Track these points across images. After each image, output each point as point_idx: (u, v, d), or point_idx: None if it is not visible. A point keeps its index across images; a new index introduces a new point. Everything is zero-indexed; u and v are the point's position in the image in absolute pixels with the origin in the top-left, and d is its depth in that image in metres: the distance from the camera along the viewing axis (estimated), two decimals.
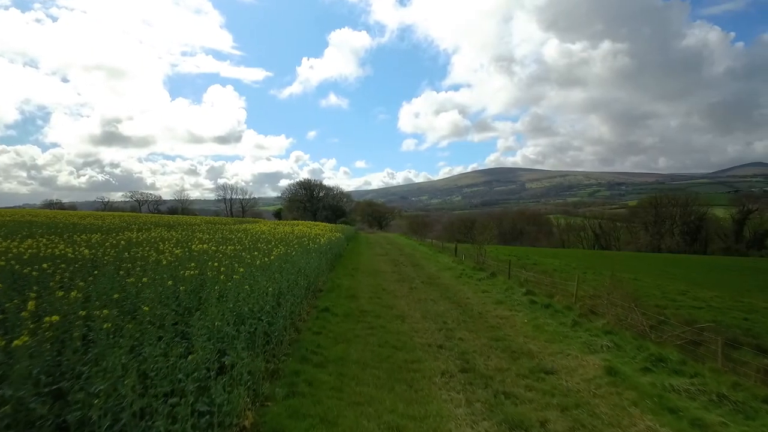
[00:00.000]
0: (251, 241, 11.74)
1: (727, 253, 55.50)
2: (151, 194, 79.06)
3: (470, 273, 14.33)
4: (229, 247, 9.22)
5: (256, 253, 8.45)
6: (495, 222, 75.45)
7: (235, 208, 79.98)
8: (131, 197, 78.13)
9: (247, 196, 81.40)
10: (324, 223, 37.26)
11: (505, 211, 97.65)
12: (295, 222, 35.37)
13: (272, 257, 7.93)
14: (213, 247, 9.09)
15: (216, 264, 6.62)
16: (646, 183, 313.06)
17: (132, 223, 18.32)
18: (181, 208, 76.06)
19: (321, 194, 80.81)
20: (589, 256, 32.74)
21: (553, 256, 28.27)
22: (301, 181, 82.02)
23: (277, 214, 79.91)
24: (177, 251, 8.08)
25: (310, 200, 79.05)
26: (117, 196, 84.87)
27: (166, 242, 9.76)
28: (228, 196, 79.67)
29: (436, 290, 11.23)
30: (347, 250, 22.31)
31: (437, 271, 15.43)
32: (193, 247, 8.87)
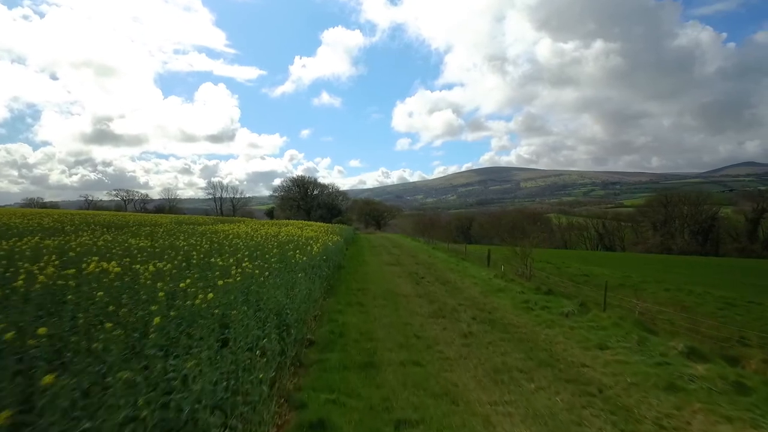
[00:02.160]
0: (208, 251, 7.64)
1: (743, 255, 52.76)
2: (137, 192, 76.12)
3: (539, 300, 9.48)
4: (150, 267, 5.18)
5: (188, 280, 4.44)
6: (494, 221, 72.58)
7: (226, 207, 76.80)
8: (116, 195, 75.06)
9: (239, 195, 78.14)
10: (318, 223, 33.19)
11: (503, 210, 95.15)
12: (285, 222, 31.49)
13: (209, 296, 3.93)
14: (117, 269, 5.05)
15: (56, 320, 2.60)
16: (640, 182, 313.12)
17: (69, 223, 14.18)
18: (168, 206, 72.71)
19: (315, 192, 76.95)
20: (631, 260, 28.29)
21: (597, 262, 23.66)
22: (294, 178, 78.43)
23: (270, 213, 76.43)
24: (41, 278, 4.17)
25: (304, 198, 75.14)
26: (104, 195, 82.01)
27: (51, 256, 5.73)
28: (218, 195, 76.41)
29: (508, 340, 6.70)
30: (347, 257, 18.18)
31: (482, 294, 10.69)
32: (87, 266, 4.85)
